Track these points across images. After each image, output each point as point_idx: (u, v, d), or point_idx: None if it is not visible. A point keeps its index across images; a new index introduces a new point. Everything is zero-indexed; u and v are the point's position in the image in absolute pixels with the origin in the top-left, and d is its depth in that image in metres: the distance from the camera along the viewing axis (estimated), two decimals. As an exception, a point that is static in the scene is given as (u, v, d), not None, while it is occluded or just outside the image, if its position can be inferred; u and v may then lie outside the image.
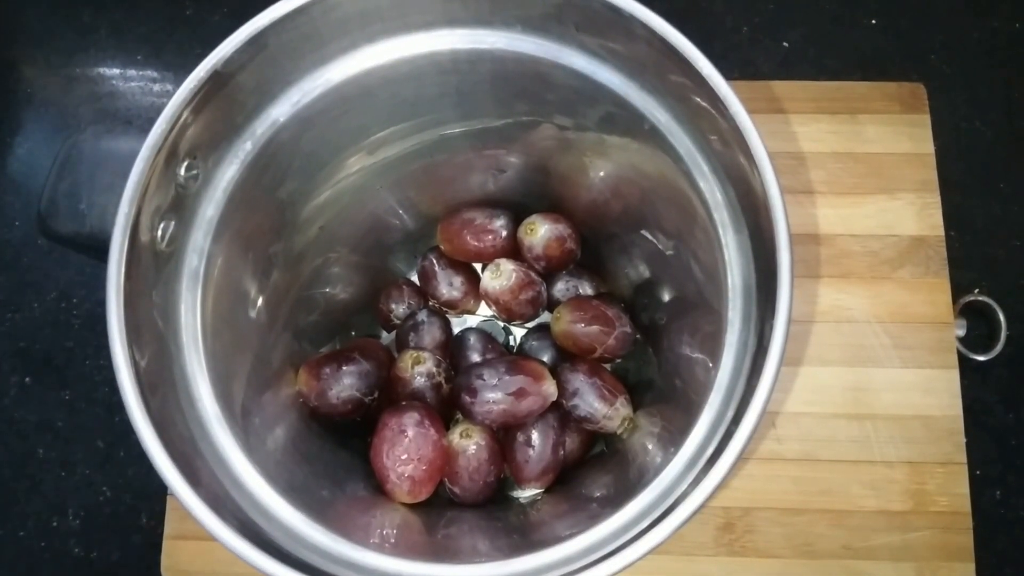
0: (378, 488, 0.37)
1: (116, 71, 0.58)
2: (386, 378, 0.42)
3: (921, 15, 0.56)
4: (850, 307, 0.46)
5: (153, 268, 0.31)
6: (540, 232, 0.43)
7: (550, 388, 0.39)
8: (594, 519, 0.30)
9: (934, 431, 0.44)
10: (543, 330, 0.45)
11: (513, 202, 0.46)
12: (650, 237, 0.41)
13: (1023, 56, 0.55)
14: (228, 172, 0.33)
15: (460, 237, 0.45)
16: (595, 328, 0.41)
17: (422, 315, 0.45)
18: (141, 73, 0.58)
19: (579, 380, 0.40)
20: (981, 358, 0.47)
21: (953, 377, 0.45)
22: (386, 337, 0.48)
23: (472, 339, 0.45)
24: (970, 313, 0.47)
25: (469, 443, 0.39)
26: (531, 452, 0.39)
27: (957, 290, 0.46)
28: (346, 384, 0.39)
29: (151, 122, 0.29)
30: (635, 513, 0.30)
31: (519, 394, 0.38)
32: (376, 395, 0.40)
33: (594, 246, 0.46)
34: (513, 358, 0.42)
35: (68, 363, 0.52)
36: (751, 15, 0.57)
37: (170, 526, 0.43)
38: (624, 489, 0.31)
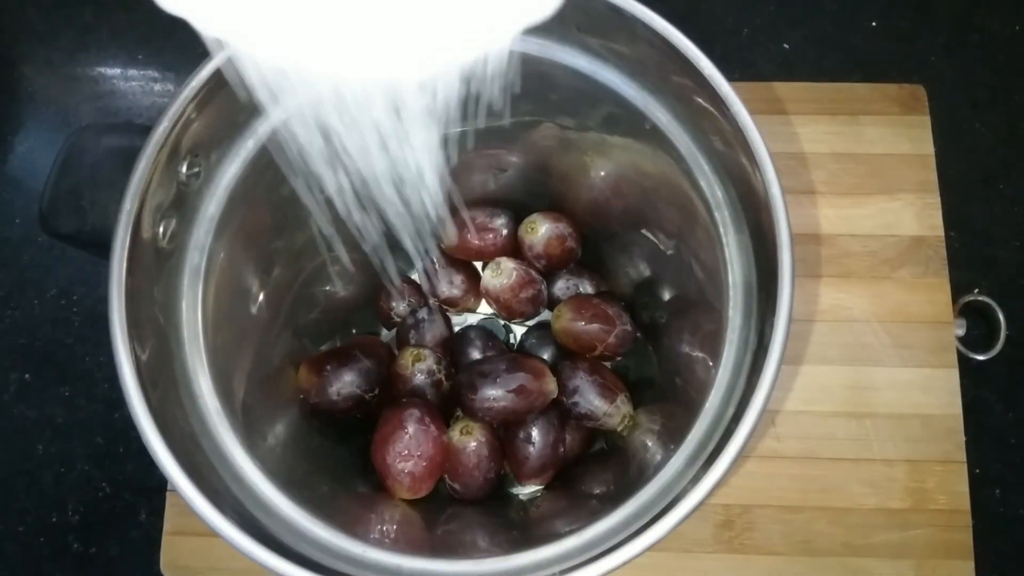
0: (378, 484, 0.37)
1: (117, 71, 0.58)
2: (387, 375, 0.42)
3: (921, 17, 0.56)
4: (850, 306, 0.46)
5: (155, 265, 0.31)
6: (541, 231, 0.44)
7: (550, 385, 0.39)
8: (594, 516, 0.30)
9: (933, 430, 0.44)
10: (544, 328, 0.46)
11: (514, 201, 0.46)
12: (651, 236, 0.41)
13: (1022, 58, 0.55)
14: (230, 170, 0.34)
15: (461, 235, 0.45)
16: (595, 326, 0.41)
17: (423, 313, 0.46)
18: (142, 73, 0.58)
19: (579, 378, 0.40)
20: (981, 357, 0.47)
21: (952, 376, 0.45)
22: (386, 334, 0.49)
23: (473, 336, 0.45)
24: (970, 313, 0.47)
25: (469, 440, 0.39)
26: (531, 449, 0.40)
27: (957, 290, 0.47)
28: (347, 381, 0.39)
29: (152, 121, 0.29)
30: (635, 510, 0.30)
31: (519, 391, 0.38)
32: (377, 392, 0.40)
33: (595, 245, 0.46)
34: (514, 356, 0.42)
35: (68, 360, 0.52)
36: (752, 17, 0.57)
37: (169, 522, 0.43)
38: (624, 486, 0.31)
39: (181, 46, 0.56)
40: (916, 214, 0.47)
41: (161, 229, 0.31)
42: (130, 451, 0.49)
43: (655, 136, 0.34)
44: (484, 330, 0.46)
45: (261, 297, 0.38)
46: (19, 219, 0.55)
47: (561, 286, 0.46)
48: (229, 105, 0.32)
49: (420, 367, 0.41)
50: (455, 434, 0.39)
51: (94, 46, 0.59)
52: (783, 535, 0.43)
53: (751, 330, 0.31)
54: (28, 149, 0.57)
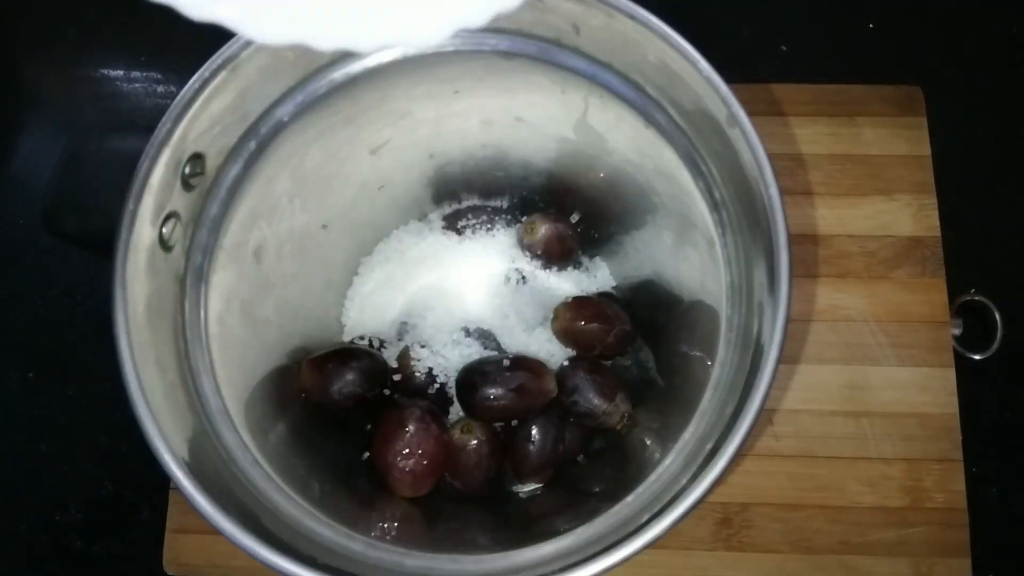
0: (380, 482, 0.38)
1: (120, 72, 0.58)
2: (388, 374, 0.42)
3: (919, 19, 0.57)
4: (847, 306, 0.46)
5: (157, 265, 0.31)
6: (540, 231, 0.44)
7: (550, 384, 0.39)
8: (593, 514, 0.30)
9: (931, 428, 0.44)
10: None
11: (514, 201, 0.47)
12: (649, 236, 0.41)
13: (1020, 60, 0.55)
14: (232, 171, 0.34)
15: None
16: (595, 326, 0.42)
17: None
18: (145, 74, 0.58)
19: (579, 377, 0.40)
20: (977, 357, 0.47)
21: (949, 375, 0.45)
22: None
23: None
24: (967, 313, 0.48)
25: (470, 438, 0.39)
26: (531, 447, 0.40)
27: (954, 290, 0.47)
28: (348, 380, 0.39)
29: (155, 123, 0.30)
30: (633, 508, 0.30)
31: (520, 390, 0.39)
32: (378, 391, 0.41)
33: (594, 244, 0.46)
34: (514, 355, 0.42)
35: (71, 359, 0.52)
36: (750, 18, 0.57)
37: (172, 520, 0.44)
38: (623, 484, 0.32)
39: (184, 47, 0.56)
40: (913, 215, 0.48)
41: (164, 230, 0.31)
42: (132, 450, 0.50)
43: (653, 136, 0.34)
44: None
45: (263, 297, 0.38)
46: (22, 219, 0.55)
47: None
48: (232, 106, 0.32)
49: (421, 366, 0.41)
50: (456, 432, 0.39)
51: (97, 47, 0.59)
52: (781, 533, 0.43)
53: (749, 330, 0.31)
54: (31, 150, 0.57)
